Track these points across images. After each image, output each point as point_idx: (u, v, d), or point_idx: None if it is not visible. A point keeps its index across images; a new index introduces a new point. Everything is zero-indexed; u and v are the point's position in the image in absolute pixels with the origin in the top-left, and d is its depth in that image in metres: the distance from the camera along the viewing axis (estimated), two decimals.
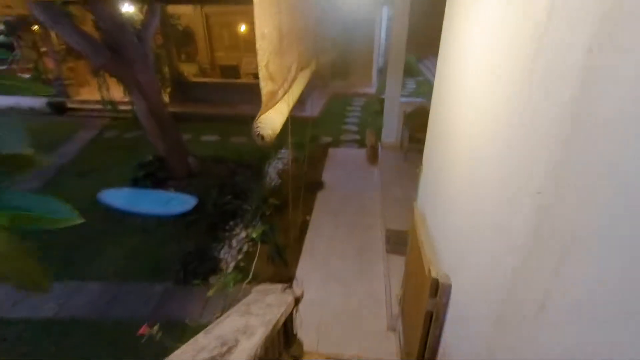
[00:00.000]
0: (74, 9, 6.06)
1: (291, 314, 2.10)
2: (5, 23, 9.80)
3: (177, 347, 1.40)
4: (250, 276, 3.82)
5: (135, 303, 3.68)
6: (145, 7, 5.47)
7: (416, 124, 5.56)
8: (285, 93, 1.73)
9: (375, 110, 8.98)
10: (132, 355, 3.00)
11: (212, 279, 3.88)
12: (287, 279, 2.22)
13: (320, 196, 5.40)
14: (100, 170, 6.49)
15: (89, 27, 5.35)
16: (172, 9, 8.99)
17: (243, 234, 4.56)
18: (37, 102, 9.74)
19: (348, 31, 10.52)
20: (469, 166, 1.37)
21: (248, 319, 1.64)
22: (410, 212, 2.40)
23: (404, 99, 6.56)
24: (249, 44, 9.94)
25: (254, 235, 4.40)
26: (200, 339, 1.46)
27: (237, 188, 5.34)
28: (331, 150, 7.09)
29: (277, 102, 1.60)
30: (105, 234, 4.68)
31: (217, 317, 1.73)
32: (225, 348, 1.40)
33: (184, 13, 9.78)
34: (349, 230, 4.63)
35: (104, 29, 4.79)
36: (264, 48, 1.31)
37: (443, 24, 1.91)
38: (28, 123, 8.60)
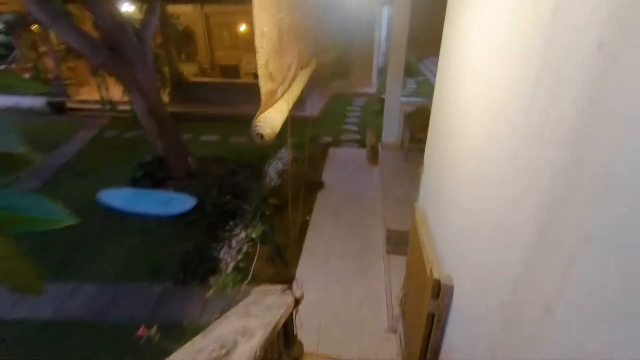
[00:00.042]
0: (72, 8, 6.05)
1: (291, 315, 2.08)
2: (5, 22, 9.78)
3: (176, 349, 1.38)
4: (249, 277, 3.80)
5: (134, 304, 3.66)
6: (145, 6, 5.45)
7: (416, 124, 5.55)
8: (285, 92, 1.71)
9: (376, 110, 8.97)
10: (131, 356, 2.99)
11: (212, 280, 3.87)
12: (287, 279, 2.21)
13: (321, 196, 5.38)
14: (100, 170, 6.48)
15: (88, 26, 5.33)
16: (171, 8, 8.96)
17: (243, 234, 4.53)
18: (37, 101, 9.74)
19: (348, 31, 10.50)
20: (471, 166, 1.35)
21: (247, 321, 1.62)
22: (411, 212, 2.38)
23: (404, 99, 6.55)
24: (249, 43, 9.92)
25: (254, 235, 4.37)
26: (199, 340, 1.44)
27: (237, 188, 5.32)
28: (331, 150, 7.07)
29: (276, 101, 1.58)
30: (105, 234, 4.66)
31: (216, 319, 1.71)
32: (224, 350, 1.39)
33: (184, 12, 9.76)
34: (349, 231, 4.61)
35: (103, 28, 4.76)
36: (263, 46, 1.29)
37: (444, 23, 1.89)
38: (28, 123, 8.63)
